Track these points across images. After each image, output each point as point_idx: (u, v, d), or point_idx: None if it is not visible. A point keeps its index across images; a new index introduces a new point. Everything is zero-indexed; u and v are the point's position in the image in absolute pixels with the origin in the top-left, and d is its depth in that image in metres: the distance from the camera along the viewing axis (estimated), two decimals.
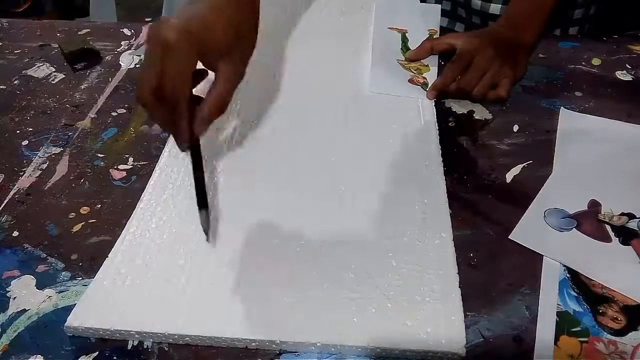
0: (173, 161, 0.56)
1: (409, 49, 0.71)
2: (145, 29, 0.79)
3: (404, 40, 0.72)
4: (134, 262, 0.46)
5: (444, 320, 0.42)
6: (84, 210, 0.52)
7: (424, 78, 0.67)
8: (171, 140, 0.58)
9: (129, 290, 0.44)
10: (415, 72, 0.68)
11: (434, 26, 0.75)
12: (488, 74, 0.63)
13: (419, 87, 0.66)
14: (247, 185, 0.53)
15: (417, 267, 0.46)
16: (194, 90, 0.49)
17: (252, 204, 0.51)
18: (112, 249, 0.47)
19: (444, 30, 0.77)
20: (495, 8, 0.78)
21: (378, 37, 0.73)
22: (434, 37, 0.72)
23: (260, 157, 0.57)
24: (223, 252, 0.47)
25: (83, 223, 0.51)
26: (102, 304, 0.43)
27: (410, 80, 0.66)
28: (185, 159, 0.56)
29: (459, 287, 0.44)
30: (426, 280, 0.45)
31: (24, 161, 0.58)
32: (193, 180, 0.50)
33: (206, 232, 0.48)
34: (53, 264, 0.47)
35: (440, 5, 0.80)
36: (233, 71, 0.48)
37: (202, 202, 0.48)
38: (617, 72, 0.68)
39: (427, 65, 0.68)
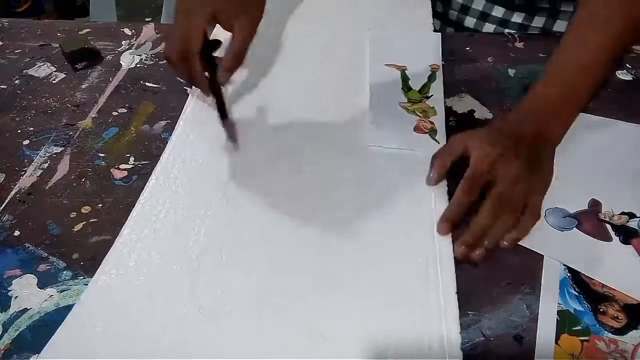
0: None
1: (411, 88, 0.64)
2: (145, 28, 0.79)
3: (404, 78, 0.65)
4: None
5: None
6: (85, 209, 0.52)
7: (431, 123, 0.59)
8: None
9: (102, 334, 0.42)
10: (421, 114, 0.60)
11: (435, 60, 0.68)
12: (510, 209, 0.49)
13: (427, 134, 0.58)
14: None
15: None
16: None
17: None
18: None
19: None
20: (470, 21, 0.78)
21: (375, 76, 0.66)
22: (436, 73, 0.66)
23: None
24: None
25: (84, 222, 0.51)
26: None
27: (417, 128, 0.59)
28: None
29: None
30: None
31: (25, 161, 0.58)
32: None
33: (232, 139, 0.58)
34: (54, 263, 0.48)
35: (440, 33, 0.72)
36: (246, 29, 0.58)
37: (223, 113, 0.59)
38: (617, 72, 0.68)
39: (432, 107, 0.61)
